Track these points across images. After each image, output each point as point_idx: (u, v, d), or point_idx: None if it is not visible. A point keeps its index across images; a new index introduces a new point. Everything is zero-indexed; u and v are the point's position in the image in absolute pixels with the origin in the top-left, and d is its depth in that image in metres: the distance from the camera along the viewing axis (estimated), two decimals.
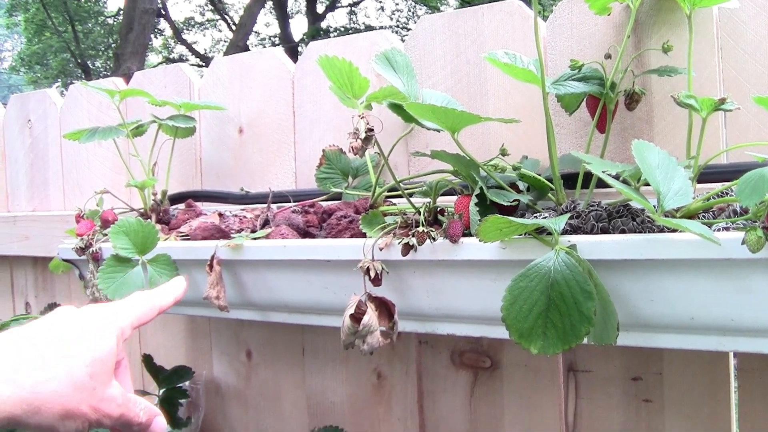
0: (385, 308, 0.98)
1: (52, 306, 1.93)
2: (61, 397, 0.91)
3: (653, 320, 0.84)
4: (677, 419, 1.12)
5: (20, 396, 0.90)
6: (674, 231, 0.81)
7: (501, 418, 1.27)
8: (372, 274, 0.95)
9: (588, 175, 1.05)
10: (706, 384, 1.10)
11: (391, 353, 1.38)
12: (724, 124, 1.06)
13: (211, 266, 1.15)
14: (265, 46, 18.15)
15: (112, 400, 0.99)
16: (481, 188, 0.95)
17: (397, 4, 18.77)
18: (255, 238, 1.15)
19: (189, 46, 17.75)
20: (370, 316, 0.95)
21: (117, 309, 0.93)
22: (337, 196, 1.31)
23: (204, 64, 16.19)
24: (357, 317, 0.95)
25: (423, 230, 0.94)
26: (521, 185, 1.06)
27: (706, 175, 0.99)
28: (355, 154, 0.97)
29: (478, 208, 0.93)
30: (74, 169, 1.87)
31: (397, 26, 17.67)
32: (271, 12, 18.12)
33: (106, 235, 1.29)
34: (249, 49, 9.88)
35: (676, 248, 0.79)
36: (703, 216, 0.89)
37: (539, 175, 1.03)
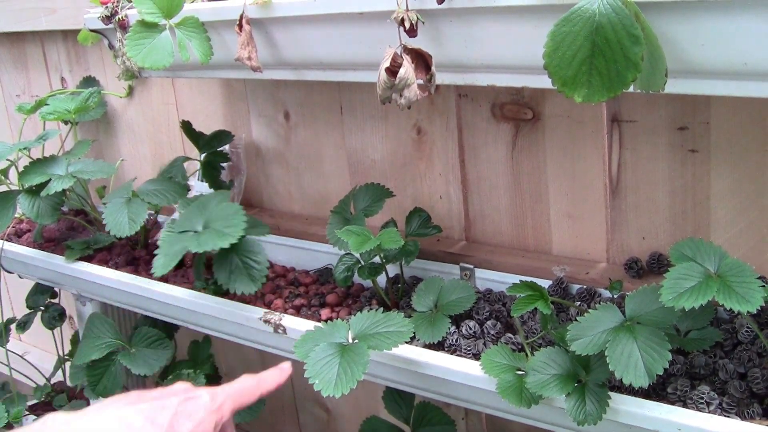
0: (421, 60, 0.95)
1: (88, 79, 1.92)
2: None
3: (703, 66, 0.79)
4: (723, 169, 1.11)
5: None
6: None
7: (543, 171, 1.27)
8: (407, 24, 0.91)
9: None
10: (755, 133, 1.07)
11: (431, 108, 1.36)
12: None
13: (240, 26, 1.12)
14: None
15: None
16: None
17: None
18: None
19: None
20: (407, 69, 0.92)
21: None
22: None
23: None
24: (393, 70, 0.92)
25: None
26: None
27: None
28: None
29: None
30: None
31: None
32: None
33: (131, 0, 1.25)
34: None
35: None
36: None
37: None
